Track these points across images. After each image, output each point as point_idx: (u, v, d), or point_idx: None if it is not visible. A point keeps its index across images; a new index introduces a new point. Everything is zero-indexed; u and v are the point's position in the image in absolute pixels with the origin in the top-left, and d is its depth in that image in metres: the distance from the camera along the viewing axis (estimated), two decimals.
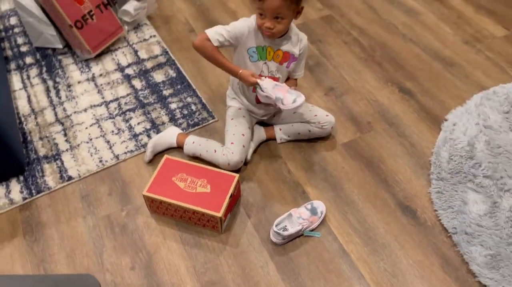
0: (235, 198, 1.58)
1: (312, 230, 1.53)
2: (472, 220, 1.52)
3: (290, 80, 1.74)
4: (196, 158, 1.72)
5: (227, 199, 1.48)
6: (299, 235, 1.51)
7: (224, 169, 1.60)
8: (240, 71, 1.55)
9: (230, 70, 1.58)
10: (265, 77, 1.59)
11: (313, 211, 1.53)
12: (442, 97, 1.98)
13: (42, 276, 1.03)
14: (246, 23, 1.54)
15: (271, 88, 1.52)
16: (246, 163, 1.72)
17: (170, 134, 1.76)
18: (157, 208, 1.56)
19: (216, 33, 1.51)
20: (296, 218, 1.50)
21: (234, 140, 1.64)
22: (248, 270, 1.45)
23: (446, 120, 1.87)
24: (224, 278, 1.43)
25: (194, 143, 1.70)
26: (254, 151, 1.76)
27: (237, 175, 1.55)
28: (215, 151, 1.64)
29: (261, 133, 1.78)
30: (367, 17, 2.41)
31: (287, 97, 1.50)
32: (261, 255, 1.48)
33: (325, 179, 1.69)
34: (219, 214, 1.45)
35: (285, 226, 1.51)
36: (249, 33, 1.54)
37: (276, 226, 1.48)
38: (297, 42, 1.61)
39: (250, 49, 1.57)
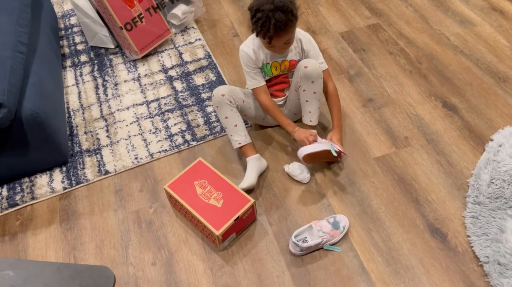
0: (245, 222, 1.55)
1: (332, 244, 1.50)
2: (508, 250, 1.41)
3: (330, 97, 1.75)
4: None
5: (231, 220, 1.46)
6: (318, 248, 1.49)
7: None
8: (295, 130, 1.66)
9: (286, 125, 1.68)
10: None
11: (335, 225, 1.50)
12: (490, 115, 1.85)
13: (66, 264, 1.10)
14: (247, 51, 1.64)
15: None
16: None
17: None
18: (174, 204, 1.62)
19: (252, 79, 1.68)
20: (317, 231, 1.48)
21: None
22: (263, 278, 1.45)
23: (491, 140, 1.75)
24: (239, 284, 1.44)
25: None
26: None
27: (252, 200, 1.52)
28: None
29: (263, 163, 1.73)
30: (416, 26, 2.31)
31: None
32: (278, 264, 1.48)
33: (353, 193, 1.64)
34: (218, 232, 1.44)
35: (305, 237, 1.49)
36: (253, 56, 1.65)
37: (295, 237, 1.47)
38: (299, 47, 1.67)
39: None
